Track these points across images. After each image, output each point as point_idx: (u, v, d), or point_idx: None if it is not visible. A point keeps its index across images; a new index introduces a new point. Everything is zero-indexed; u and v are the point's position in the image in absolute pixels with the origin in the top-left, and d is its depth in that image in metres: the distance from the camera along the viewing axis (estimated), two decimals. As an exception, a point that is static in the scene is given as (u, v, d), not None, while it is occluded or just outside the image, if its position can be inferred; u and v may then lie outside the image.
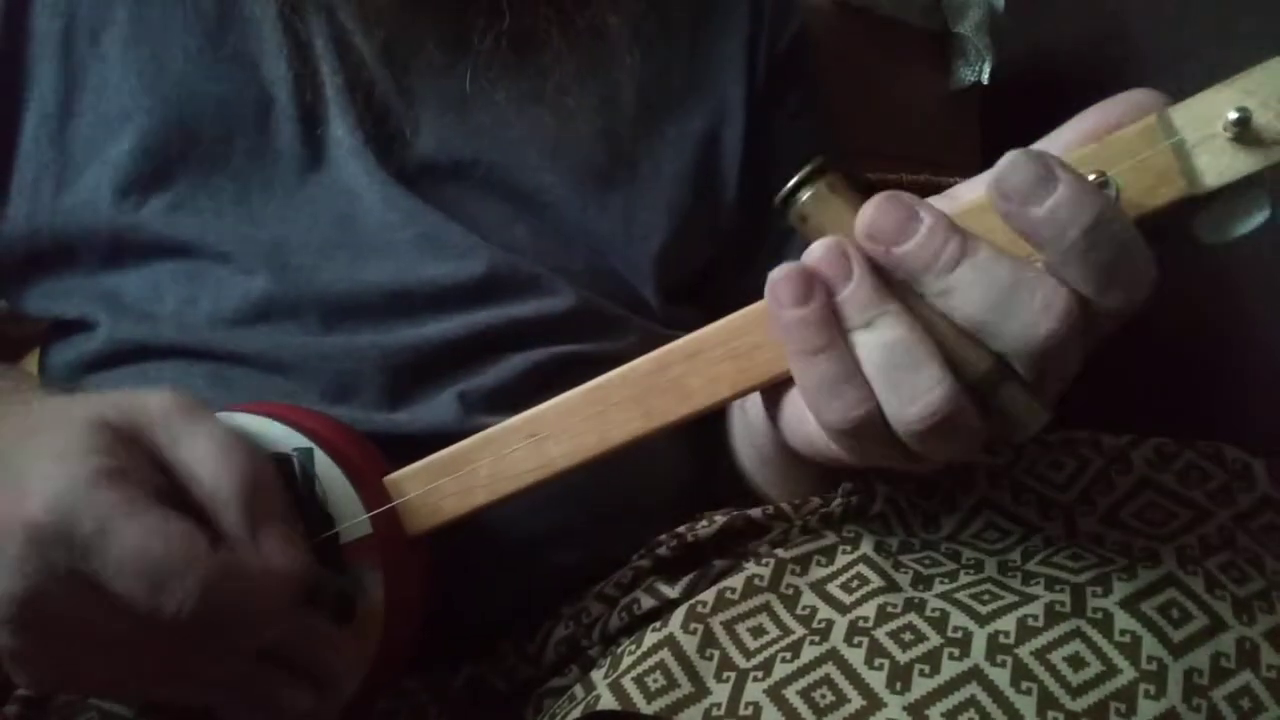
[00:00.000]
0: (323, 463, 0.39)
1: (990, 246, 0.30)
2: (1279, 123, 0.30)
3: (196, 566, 0.31)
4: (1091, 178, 0.31)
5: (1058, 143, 0.33)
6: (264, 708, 0.37)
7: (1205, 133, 0.31)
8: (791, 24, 0.63)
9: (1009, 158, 0.30)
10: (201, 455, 0.34)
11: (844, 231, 0.32)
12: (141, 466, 0.34)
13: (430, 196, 0.51)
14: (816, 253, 0.32)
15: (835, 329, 0.31)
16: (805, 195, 0.32)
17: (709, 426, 0.53)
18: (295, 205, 0.50)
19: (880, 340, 0.31)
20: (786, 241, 0.61)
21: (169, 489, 0.34)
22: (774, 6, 0.62)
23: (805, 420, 0.35)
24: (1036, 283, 0.29)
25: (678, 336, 0.37)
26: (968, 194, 0.34)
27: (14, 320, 0.63)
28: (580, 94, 0.54)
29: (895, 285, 0.31)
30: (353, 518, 0.39)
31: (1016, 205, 0.29)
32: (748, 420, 0.49)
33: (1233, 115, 0.30)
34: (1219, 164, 0.31)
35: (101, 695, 0.41)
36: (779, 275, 0.32)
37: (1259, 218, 0.31)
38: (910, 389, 0.30)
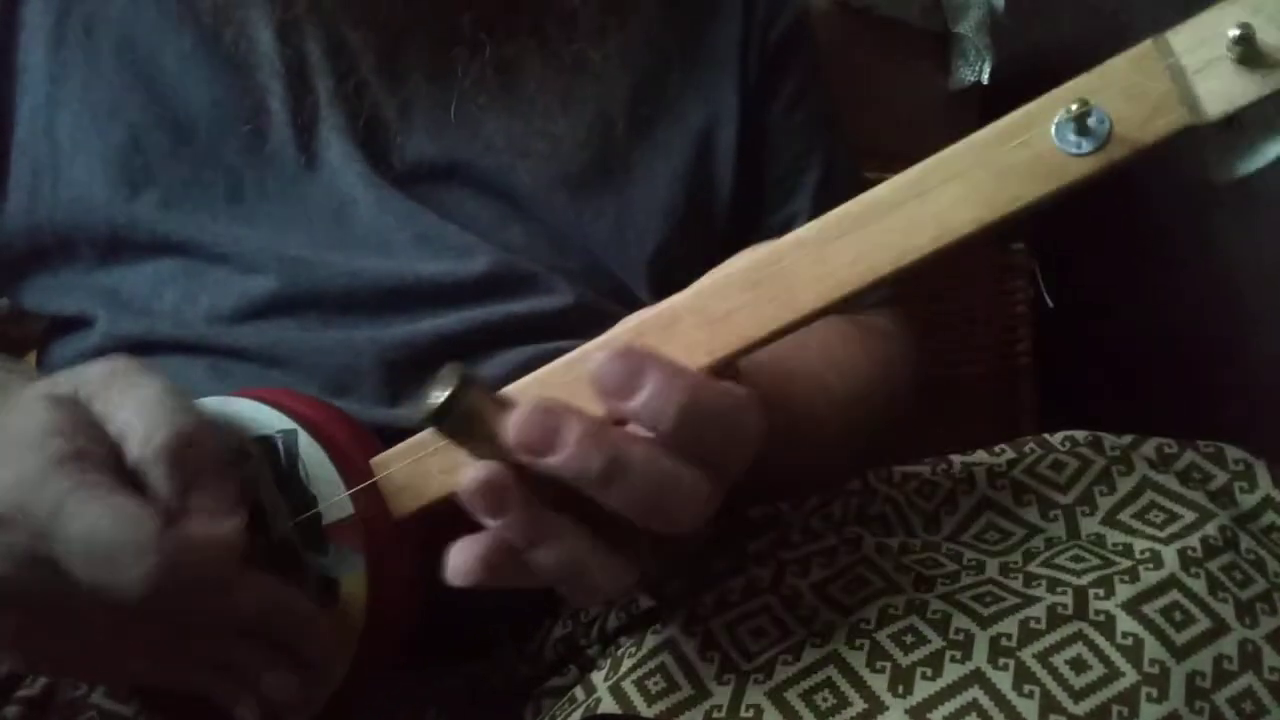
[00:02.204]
0: (306, 445, 0.39)
1: (643, 449, 0.30)
2: None
3: (148, 548, 0.31)
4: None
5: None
6: (251, 691, 0.37)
7: (1206, 56, 0.28)
8: (784, 16, 0.62)
9: (603, 357, 0.31)
10: (132, 416, 0.34)
11: (492, 441, 0.31)
12: (94, 443, 0.34)
13: (425, 199, 0.51)
14: (468, 490, 0.31)
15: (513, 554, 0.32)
16: (451, 405, 0.31)
17: None
18: (290, 205, 0.50)
19: (544, 562, 0.32)
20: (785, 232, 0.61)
21: (120, 462, 0.34)
22: (767, 2, 0.61)
23: None
24: (677, 484, 0.30)
25: None
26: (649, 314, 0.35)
27: (14, 320, 0.63)
28: (569, 118, 0.54)
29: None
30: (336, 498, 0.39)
31: (616, 400, 0.31)
32: None
33: (1234, 33, 0.28)
34: (1222, 89, 0.28)
35: (91, 678, 0.41)
36: (461, 559, 0.32)
37: (1272, 150, 0.29)
38: (580, 592, 0.32)
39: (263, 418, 0.39)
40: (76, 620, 0.34)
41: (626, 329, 0.35)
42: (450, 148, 0.53)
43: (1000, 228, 0.31)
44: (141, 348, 0.50)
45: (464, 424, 0.32)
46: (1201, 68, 0.29)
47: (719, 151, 0.58)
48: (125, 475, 0.33)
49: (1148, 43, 0.29)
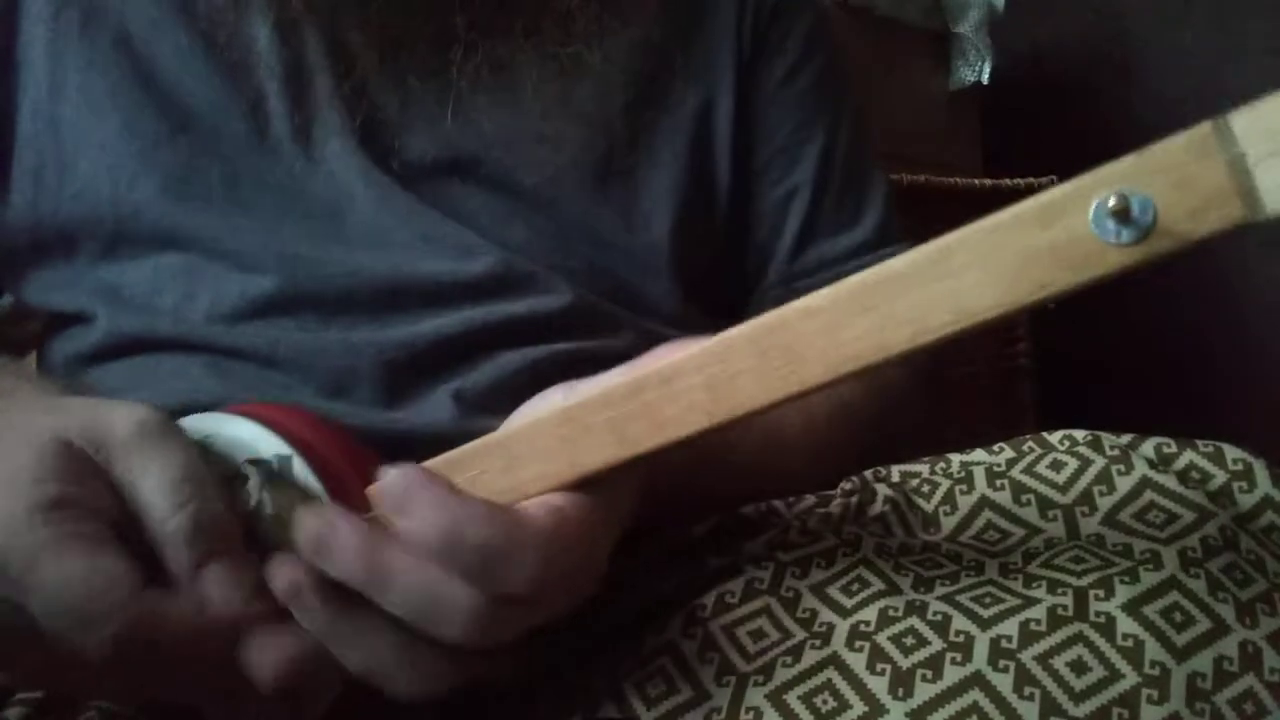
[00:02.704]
0: (302, 472, 0.38)
1: (409, 564, 0.31)
2: None
3: (112, 616, 0.31)
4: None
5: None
6: (242, 711, 0.37)
7: (1270, 147, 0.26)
8: None
9: (389, 473, 0.33)
10: (155, 489, 0.34)
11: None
12: (94, 493, 0.33)
13: (425, 196, 0.51)
14: (271, 578, 0.33)
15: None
16: (263, 489, 0.34)
17: None
18: (288, 202, 0.51)
19: (347, 660, 0.33)
20: (781, 220, 0.61)
21: (124, 514, 0.34)
22: None
23: None
24: (446, 596, 0.31)
25: (679, 337, 0.37)
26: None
27: (13, 322, 0.64)
28: (568, 119, 0.54)
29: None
30: None
31: (393, 516, 0.32)
32: None
33: None
34: None
35: (90, 694, 0.41)
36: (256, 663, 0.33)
37: None
38: (386, 685, 0.33)
39: (260, 442, 0.39)
40: (62, 654, 0.34)
41: (624, 380, 0.35)
42: (450, 146, 0.53)
43: (1025, 313, 0.30)
44: (141, 345, 0.50)
45: (272, 504, 0.34)
46: (1265, 157, 0.26)
47: (717, 127, 0.58)
48: (123, 526, 0.33)
49: (1206, 126, 0.27)
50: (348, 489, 0.39)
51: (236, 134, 0.51)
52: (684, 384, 0.33)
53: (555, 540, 0.33)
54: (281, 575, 0.33)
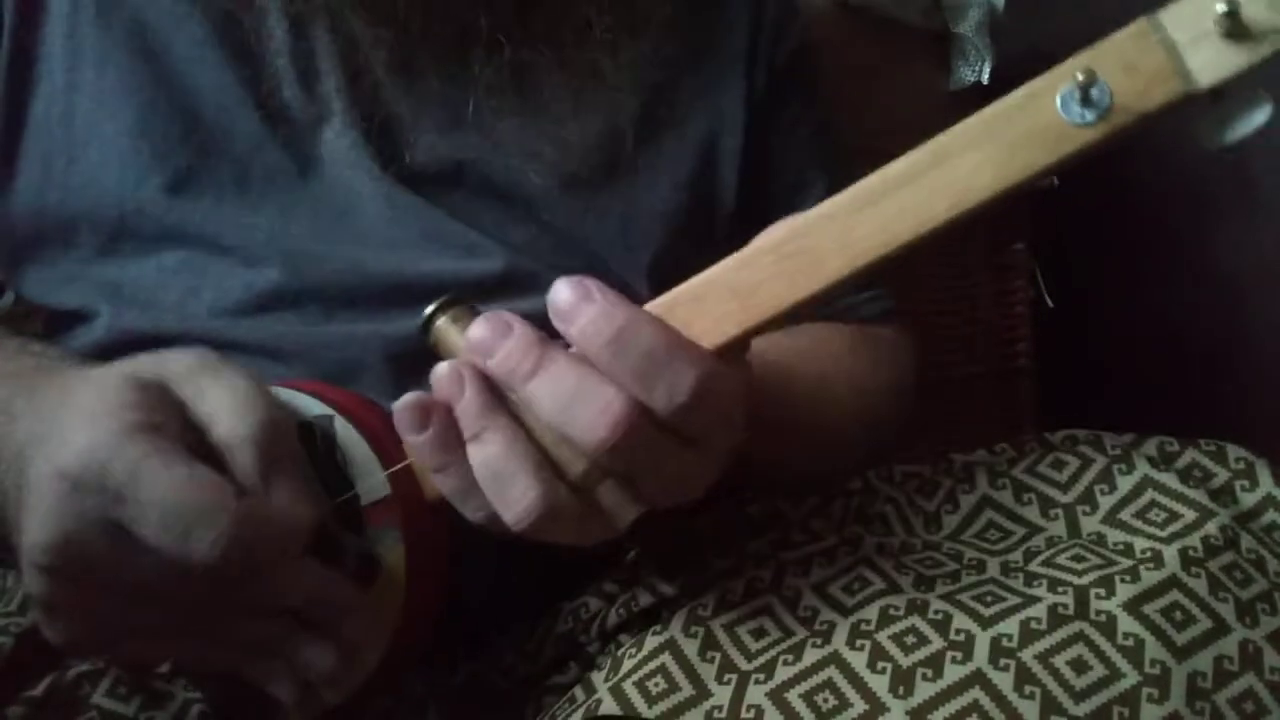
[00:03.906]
0: (343, 429, 0.40)
1: (567, 359, 0.33)
2: (1268, 13, 0.30)
3: (223, 514, 0.32)
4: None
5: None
6: (289, 668, 0.37)
7: (1196, 31, 0.31)
8: (791, 36, 0.63)
9: (558, 283, 0.34)
10: (221, 404, 0.36)
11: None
12: (172, 421, 0.35)
13: (431, 196, 0.52)
14: (436, 375, 0.35)
15: (456, 447, 0.35)
16: (438, 321, 0.37)
17: None
18: (295, 197, 0.51)
19: (481, 455, 0.34)
20: None
21: (197, 444, 0.35)
22: (774, 19, 0.62)
23: None
24: (595, 392, 0.32)
25: None
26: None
27: (13, 321, 0.63)
28: (579, 125, 0.54)
29: (508, 400, 0.34)
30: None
31: (562, 323, 0.33)
32: None
33: (1221, 8, 0.30)
34: (1212, 61, 0.31)
35: (131, 657, 0.42)
36: (399, 405, 0.35)
37: (1259, 117, 0.32)
38: (504, 499, 0.34)
39: (300, 404, 0.40)
40: (126, 593, 0.35)
41: (659, 302, 0.36)
42: (461, 149, 0.53)
43: (1014, 193, 0.34)
44: (145, 342, 0.50)
45: (444, 336, 0.37)
46: (1192, 42, 0.31)
47: (723, 161, 0.59)
48: (200, 454, 0.35)
49: (1143, 21, 0.32)
50: (388, 446, 0.40)
51: (247, 128, 0.51)
52: (713, 297, 0.36)
53: (715, 375, 0.33)
54: (447, 366, 0.35)
